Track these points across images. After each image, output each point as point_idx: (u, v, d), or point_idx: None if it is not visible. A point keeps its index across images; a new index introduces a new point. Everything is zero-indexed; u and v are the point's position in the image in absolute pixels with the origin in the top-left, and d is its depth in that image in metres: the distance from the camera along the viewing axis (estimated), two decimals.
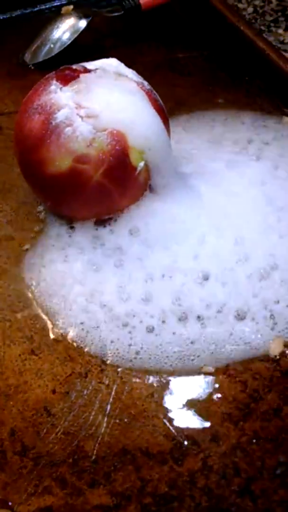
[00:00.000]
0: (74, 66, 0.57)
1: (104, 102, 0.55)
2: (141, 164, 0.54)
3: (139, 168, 0.54)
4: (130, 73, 0.57)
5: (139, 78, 0.57)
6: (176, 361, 0.50)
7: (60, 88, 0.54)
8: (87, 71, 0.57)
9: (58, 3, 0.86)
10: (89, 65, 0.57)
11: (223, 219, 0.57)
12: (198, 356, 0.51)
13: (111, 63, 0.57)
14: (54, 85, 0.55)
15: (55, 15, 0.79)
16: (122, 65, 0.57)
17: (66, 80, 0.55)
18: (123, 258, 0.56)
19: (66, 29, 0.77)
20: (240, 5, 0.86)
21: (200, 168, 0.63)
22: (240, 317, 0.52)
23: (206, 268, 0.55)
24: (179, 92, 0.73)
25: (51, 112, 0.54)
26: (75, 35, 0.76)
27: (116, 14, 0.78)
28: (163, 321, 0.52)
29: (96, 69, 0.57)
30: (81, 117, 0.53)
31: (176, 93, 0.73)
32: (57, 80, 0.55)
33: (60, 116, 0.53)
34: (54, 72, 0.57)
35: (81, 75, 0.56)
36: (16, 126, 0.57)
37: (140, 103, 0.56)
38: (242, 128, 0.68)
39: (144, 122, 0.55)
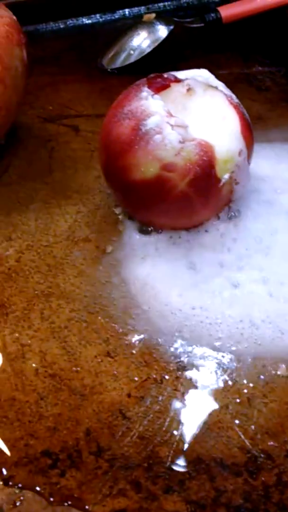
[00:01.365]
0: (165, 75, 0.57)
1: (193, 113, 0.56)
2: (226, 176, 0.55)
3: (223, 180, 0.55)
4: (220, 85, 0.57)
5: (228, 91, 0.58)
6: (251, 373, 0.50)
7: (152, 95, 0.55)
8: (178, 80, 0.57)
9: (137, 11, 0.87)
10: (180, 74, 0.58)
11: None
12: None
13: (202, 74, 0.58)
14: (146, 92, 0.55)
15: (136, 21, 0.80)
16: (213, 76, 0.58)
17: (157, 87, 0.56)
18: (203, 264, 0.56)
19: (146, 36, 0.78)
20: None
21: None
22: None
23: None
24: (256, 107, 0.73)
25: (141, 119, 0.54)
26: (156, 44, 0.77)
27: (197, 25, 0.79)
28: (247, 331, 0.52)
29: (187, 79, 0.57)
30: (171, 125, 0.53)
31: (253, 108, 0.73)
32: (148, 87, 0.56)
33: (150, 123, 0.54)
34: (145, 78, 0.57)
35: (172, 84, 0.57)
36: (103, 130, 0.57)
37: (228, 116, 0.56)
38: None
39: (232, 135, 0.55)
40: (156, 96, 0.55)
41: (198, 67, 0.59)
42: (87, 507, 0.43)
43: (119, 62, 0.78)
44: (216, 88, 0.57)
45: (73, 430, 0.47)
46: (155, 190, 0.54)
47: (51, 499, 0.44)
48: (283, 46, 0.80)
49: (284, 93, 0.75)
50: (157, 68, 0.62)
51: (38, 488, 0.44)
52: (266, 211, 0.60)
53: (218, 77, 0.59)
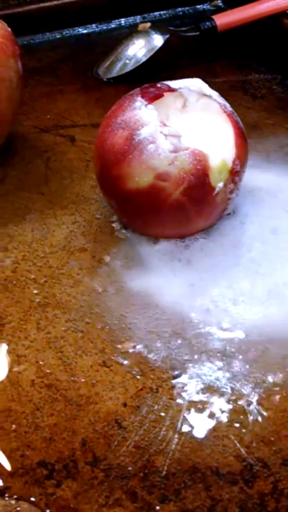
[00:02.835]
0: (158, 84, 0.58)
1: (187, 122, 0.56)
2: (220, 184, 0.55)
3: (217, 189, 0.55)
4: (213, 93, 0.58)
5: (222, 100, 0.58)
6: (247, 381, 0.50)
7: (145, 105, 0.55)
8: (171, 90, 0.57)
9: (133, 20, 0.87)
10: (173, 83, 0.58)
11: None
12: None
13: (195, 83, 0.58)
14: (139, 102, 0.55)
15: (131, 31, 0.80)
16: (206, 85, 0.58)
17: (151, 97, 0.56)
18: (201, 272, 0.56)
19: (142, 46, 0.78)
20: None
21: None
22: None
23: None
24: (251, 115, 0.73)
25: (135, 128, 0.54)
26: (151, 53, 0.77)
27: (192, 34, 0.79)
28: (234, 343, 0.53)
29: (180, 88, 0.57)
30: (165, 135, 0.54)
31: (249, 116, 0.73)
32: (142, 97, 0.56)
33: (144, 132, 0.54)
34: (139, 88, 0.57)
35: (166, 94, 0.57)
36: (98, 140, 0.57)
37: (222, 125, 0.57)
38: None
39: (225, 144, 0.56)
40: (149, 106, 0.55)
41: (194, 75, 0.60)
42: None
43: (115, 71, 0.78)
44: (209, 97, 0.57)
45: (69, 441, 0.47)
46: (149, 199, 0.55)
47: (47, 510, 0.44)
48: (279, 54, 0.80)
49: (279, 101, 0.75)
50: (153, 77, 0.62)
51: (33, 499, 0.44)
52: (260, 217, 0.60)
53: (214, 85, 0.60)
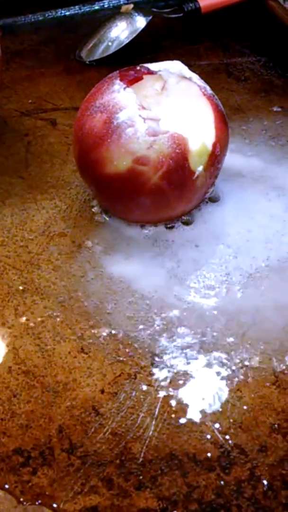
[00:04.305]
0: (137, 67, 0.57)
1: (166, 105, 0.55)
2: (200, 168, 0.54)
3: (197, 173, 0.54)
4: (193, 76, 0.57)
5: (202, 82, 0.57)
6: (224, 369, 0.50)
7: (124, 88, 0.54)
8: (151, 72, 0.57)
9: (116, 2, 0.86)
10: (153, 66, 0.57)
11: None
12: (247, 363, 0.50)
13: (175, 66, 0.57)
14: (118, 85, 0.55)
15: (114, 13, 0.79)
16: (186, 68, 0.57)
17: (129, 80, 0.55)
18: (181, 259, 0.56)
19: (124, 28, 0.77)
20: None
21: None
22: None
23: None
24: (234, 98, 0.73)
25: (113, 112, 0.54)
26: (134, 35, 0.76)
27: (175, 16, 0.78)
28: (212, 329, 0.52)
29: (160, 70, 0.57)
30: (143, 118, 0.53)
31: (232, 99, 0.72)
32: (121, 80, 0.55)
33: (122, 116, 0.53)
34: (117, 71, 0.56)
35: (145, 76, 0.56)
36: (76, 123, 0.57)
37: (202, 108, 0.56)
38: None
39: (205, 127, 0.55)
40: (128, 89, 0.55)
41: (177, 58, 0.59)
42: (56, 505, 0.43)
43: (98, 54, 0.77)
44: (189, 79, 0.57)
45: (45, 428, 0.47)
46: (128, 183, 0.54)
47: (22, 498, 0.43)
48: (263, 36, 0.79)
49: (263, 83, 0.74)
50: (135, 59, 0.61)
51: (7, 486, 0.44)
52: (242, 202, 0.60)
53: (197, 68, 0.59)
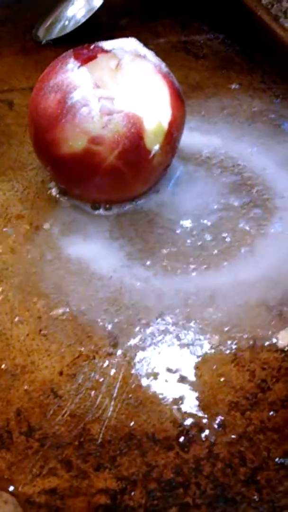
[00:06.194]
0: (92, 46, 0.56)
1: (121, 84, 0.55)
2: (156, 147, 0.54)
3: (153, 152, 0.54)
4: (148, 54, 0.56)
5: (157, 60, 0.56)
6: (183, 347, 0.50)
7: (78, 67, 0.54)
8: (105, 51, 0.56)
9: None
10: (107, 44, 0.56)
11: None
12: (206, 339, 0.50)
13: (130, 43, 0.56)
14: (72, 64, 0.54)
15: None
16: (141, 45, 0.57)
17: (83, 59, 0.55)
18: (139, 239, 0.56)
19: (81, 6, 0.76)
20: None
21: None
22: None
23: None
24: (193, 75, 0.72)
25: (67, 91, 0.53)
26: (90, 13, 0.75)
27: None
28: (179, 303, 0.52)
29: (114, 49, 0.56)
30: (98, 97, 0.52)
31: (191, 76, 0.72)
32: (75, 59, 0.54)
33: (76, 95, 0.53)
34: (71, 50, 0.56)
35: (99, 55, 0.56)
36: (31, 104, 0.56)
37: (157, 86, 0.55)
38: None
39: (161, 105, 0.55)
40: (82, 68, 0.54)
41: (135, 35, 0.58)
42: (14, 488, 0.43)
43: (55, 33, 0.76)
44: (144, 57, 0.56)
45: (3, 411, 0.47)
46: (84, 163, 0.53)
47: None
48: (221, 12, 0.78)
49: (222, 61, 0.74)
50: (93, 38, 0.60)
51: None
52: (200, 180, 0.60)
53: (156, 46, 0.58)
